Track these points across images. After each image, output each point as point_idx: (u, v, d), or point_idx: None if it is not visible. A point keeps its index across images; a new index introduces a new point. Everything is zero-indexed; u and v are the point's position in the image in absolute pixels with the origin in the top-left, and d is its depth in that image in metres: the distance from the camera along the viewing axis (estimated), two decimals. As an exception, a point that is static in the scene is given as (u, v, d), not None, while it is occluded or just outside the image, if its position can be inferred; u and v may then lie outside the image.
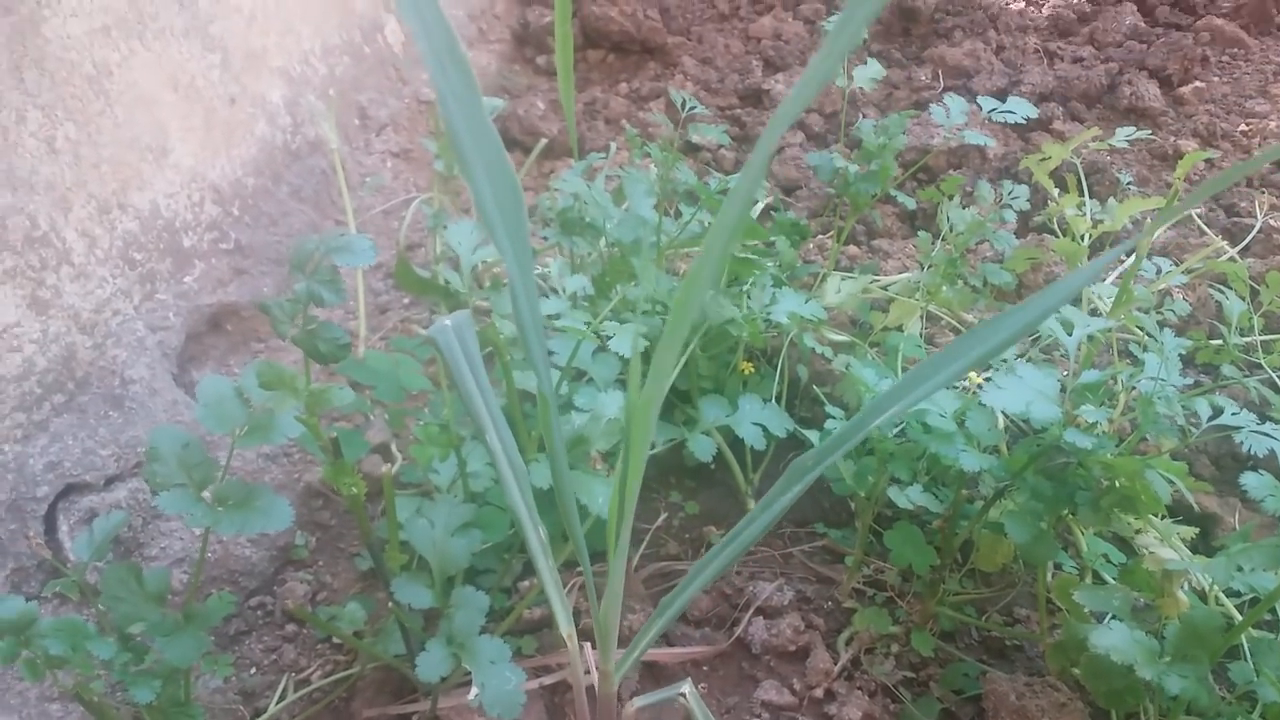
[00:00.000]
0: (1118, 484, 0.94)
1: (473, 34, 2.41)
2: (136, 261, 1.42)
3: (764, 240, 1.26)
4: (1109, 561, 1.06)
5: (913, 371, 0.78)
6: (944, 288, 1.30)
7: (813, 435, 1.24)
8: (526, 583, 1.22)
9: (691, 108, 1.33)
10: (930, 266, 1.33)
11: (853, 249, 1.70)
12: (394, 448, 1.42)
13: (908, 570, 1.23)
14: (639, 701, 0.81)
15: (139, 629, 0.94)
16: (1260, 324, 1.27)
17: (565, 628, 0.79)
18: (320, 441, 0.88)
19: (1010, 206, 1.24)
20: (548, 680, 1.12)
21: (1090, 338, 0.99)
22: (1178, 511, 1.19)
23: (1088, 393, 0.94)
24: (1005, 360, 1.01)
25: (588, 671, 0.90)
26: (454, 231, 1.03)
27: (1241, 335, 1.24)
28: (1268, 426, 0.90)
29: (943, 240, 1.34)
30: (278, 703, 1.13)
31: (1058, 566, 1.13)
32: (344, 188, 1.69)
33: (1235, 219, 1.79)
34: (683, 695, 0.80)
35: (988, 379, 1.02)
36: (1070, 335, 0.98)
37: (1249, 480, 0.87)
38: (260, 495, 0.94)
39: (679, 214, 1.51)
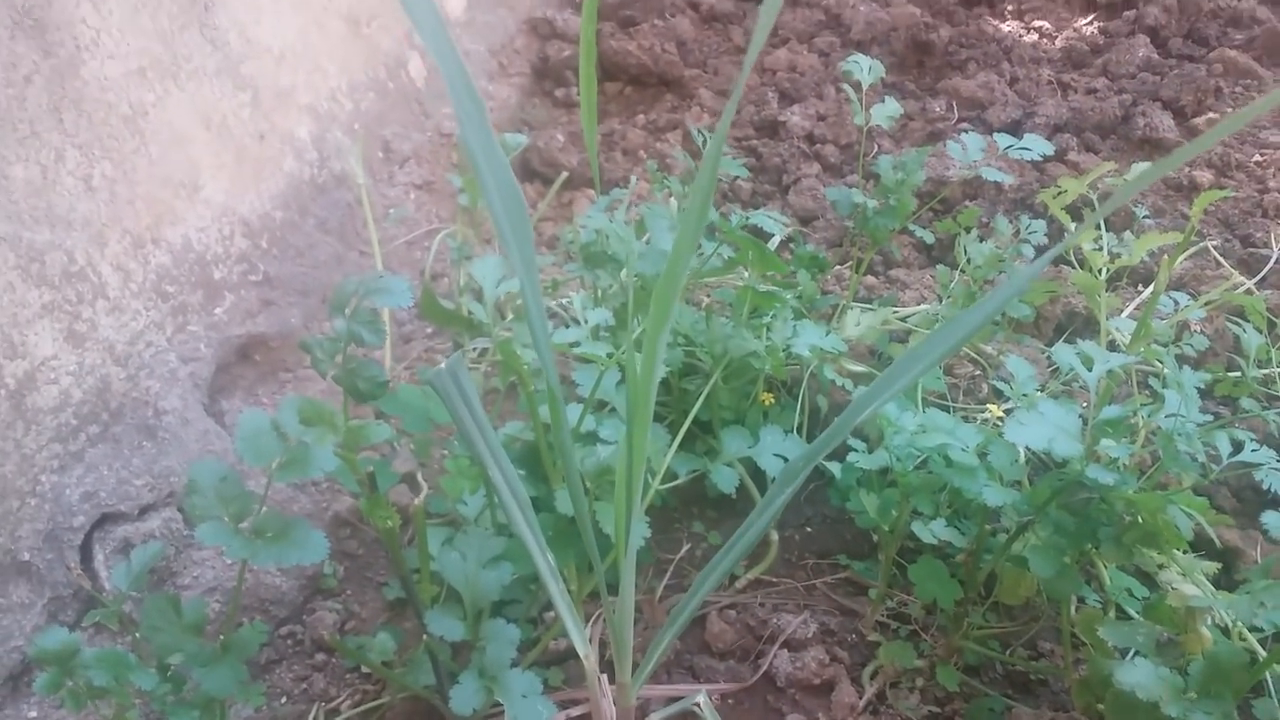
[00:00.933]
0: (1140, 519, 0.95)
1: (494, 68, 2.46)
2: (169, 294, 1.45)
3: (783, 272, 1.28)
4: (1132, 595, 1.07)
5: (891, 369, 0.80)
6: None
7: (834, 466, 1.26)
8: (552, 613, 1.23)
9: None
10: (949, 299, 1.34)
11: (870, 279, 1.72)
12: (420, 477, 1.44)
13: (932, 603, 1.24)
14: (656, 716, 0.83)
15: (177, 659, 0.96)
16: (1279, 356, 1.28)
17: (581, 647, 0.81)
18: (357, 475, 0.90)
19: (1028, 241, 1.26)
20: (575, 713, 1.13)
21: (1110, 373, 1.01)
22: (1199, 545, 1.19)
23: (1108, 428, 0.95)
24: (1026, 396, 1.03)
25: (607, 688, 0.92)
26: (479, 265, 1.05)
27: (1260, 368, 1.25)
28: (1288, 462, 0.91)
29: (961, 273, 1.36)
30: (308, 732, 1.15)
31: (1081, 600, 1.14)
32: (370, 220, 1.73)
33: (1251, 249, 1.80)
34: (697, 705, 0.82)
35: (1009, 410, 1.04)
36: (1090, 370, 1.00)
37: (1270, 520, 0.88)
38: (296, 527, 0.96)
39: (699, 247, 1.53)
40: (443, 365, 0.91)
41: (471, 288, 1.72)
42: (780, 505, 0.82)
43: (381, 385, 0.88)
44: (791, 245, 1.66)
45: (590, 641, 0.86)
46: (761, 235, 1.64)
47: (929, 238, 1.41)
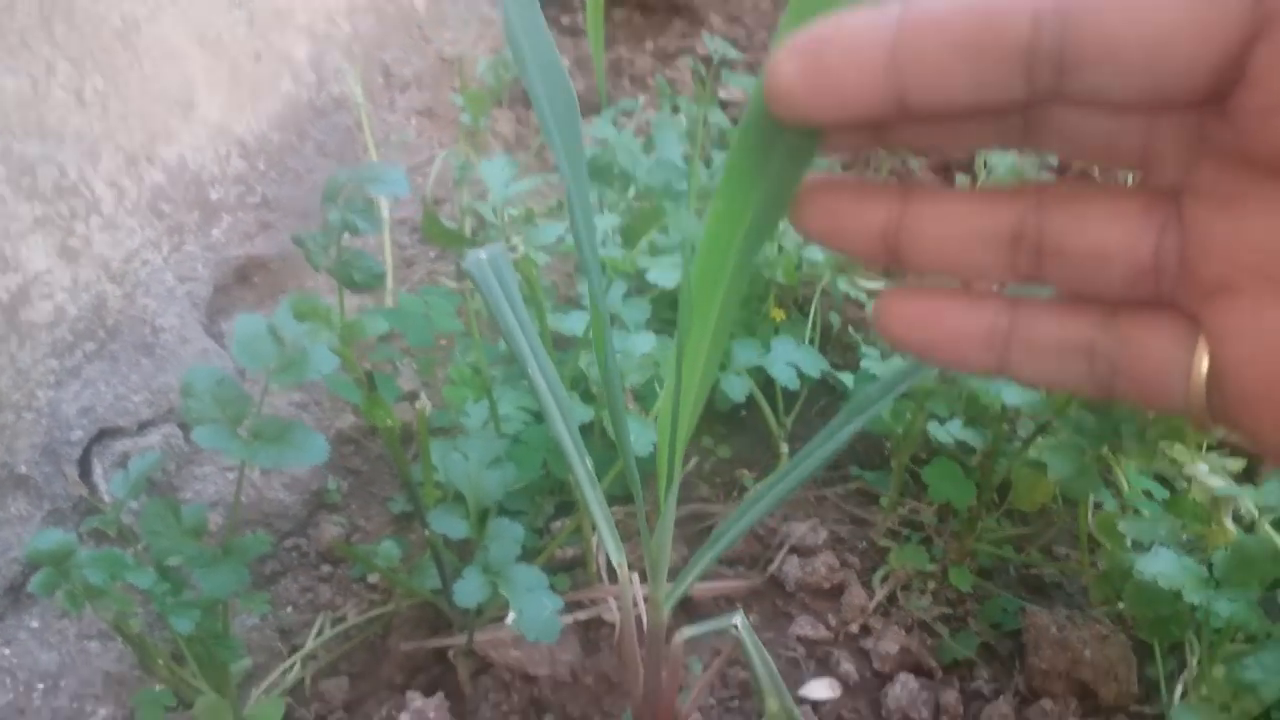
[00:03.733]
0: (1164, 417, 0.92)
1: (495, -7, 2.40)
2: (164, 213, 1.42)
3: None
4: (1152, 499, 1.05)
5: None
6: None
7: (846, 377, 1.23)
8: (559, 523, 1.22)
9: (729, 57, 1.31)
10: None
11: (883, 197, 1.67)
12: (424, 396, 1.42)
13: (944, 511, 1.22)
14: (688, 632, 0.80)
15: (176, 561, 0.95)
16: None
17: (616, 556, 0.77)
18: (355, 374, 0.88)
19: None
20: (582, 616, 1.12)
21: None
22: (1221, 449, 1.16)
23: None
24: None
25: (635, 603, 0.89)
26: (487, 165, 1.02)
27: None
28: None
29: (981, 185, 1.31)
30: (315, 638, 1.14)
31: (1098, 506, 1.11)
32: (370, 144, 1.69)
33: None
34: (735, 626, 0.79)
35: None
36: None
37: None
38: (295, 430, 0.94)
39: (709, 161, 1.49)
40: (482, 253, 0.87)
41: (473, 210, 1.68)
42: (853, 430, 0.77)
43: (378, 276, 0.86)
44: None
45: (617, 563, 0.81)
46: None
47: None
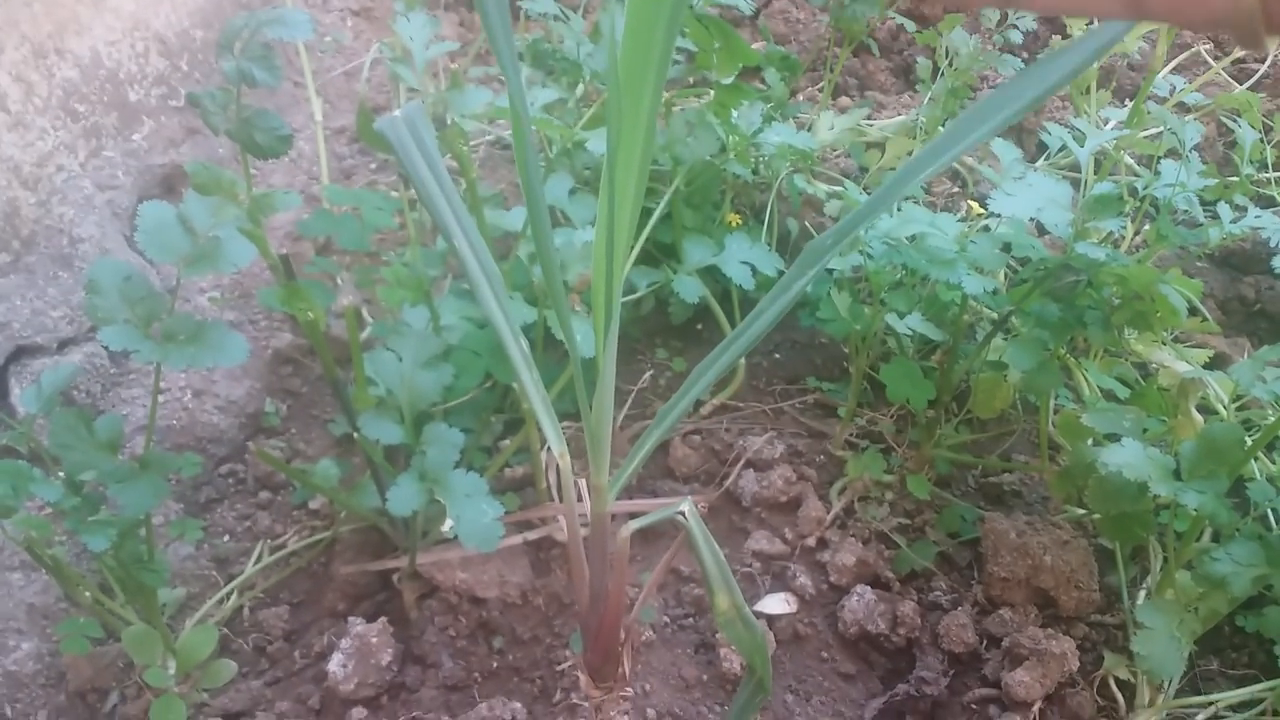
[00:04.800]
0: (1130, 302, 0.88)
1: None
2: (79, 114, 1.32)
3: (754, 63, 1.17)
4: (1115, 399, 1.02)
5: (911, 162, 0.71)
6: (945, 122, 1.22)
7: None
8: (507, 441, 1.17)
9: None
10: (930, 99, 1.24)
11: (845, 100, 1.61)
12: (365, 314, 1.35)
13: (902, 420, 1.19)
14: (635, 524, 0.75)
15: (89, 476, 0.88)
16: (1274, 156, 1.20)
17: (556, 444, 0.72)
18: (269, 260, 0.81)
19: (1016, 26, 1.15)
20: (532, 536, 1.08)
21: (1105, 155, 0.92)
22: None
23: (1100, 206, 0.87)
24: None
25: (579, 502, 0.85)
26: (404, 25, 0.93)
27: (1254, 167, 1.17)
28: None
29: (943, 74, 1.25)
30: (254, 565, 1.08)
31: (1057, 410, 1.09)
32: (302, 46, 1.58)
33: (1240, 65, 1.70)
34: (681, 514, 0.74)
35: (991, 199, 0.95)
36: (1082, 147, 0.91)
37: None
38: (212, 329, 0.87)
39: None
40: (397, 112, 0.80)
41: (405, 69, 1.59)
42: (796, 294, 0.72)
43: (284, 138, 0.78)
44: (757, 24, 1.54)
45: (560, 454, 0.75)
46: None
47: (910, 25, 1.29)
